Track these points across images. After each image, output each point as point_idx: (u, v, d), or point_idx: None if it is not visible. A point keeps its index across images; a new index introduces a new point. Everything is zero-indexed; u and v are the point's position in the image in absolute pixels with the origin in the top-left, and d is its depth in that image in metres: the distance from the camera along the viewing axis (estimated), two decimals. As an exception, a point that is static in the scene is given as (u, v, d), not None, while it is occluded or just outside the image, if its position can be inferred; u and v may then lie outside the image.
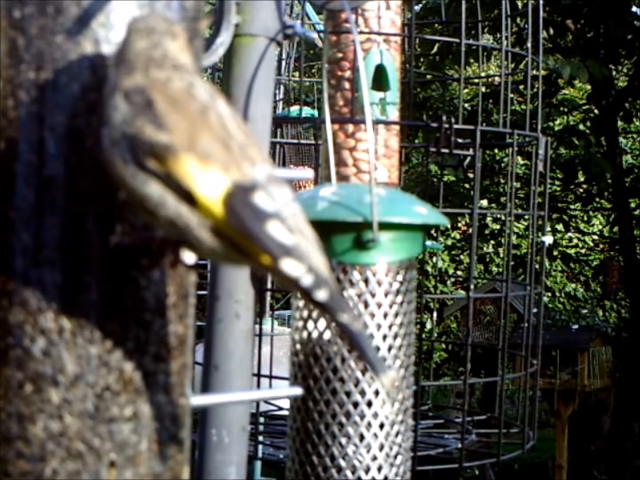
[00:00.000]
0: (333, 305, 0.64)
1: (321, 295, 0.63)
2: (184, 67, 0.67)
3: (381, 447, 1.09)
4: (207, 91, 0.66)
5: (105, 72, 0.68)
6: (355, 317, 0.66)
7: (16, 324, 0.67)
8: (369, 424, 1.09)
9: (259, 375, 1.76)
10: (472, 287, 1.71)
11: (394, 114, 1.40)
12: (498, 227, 9.24)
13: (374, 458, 1.09)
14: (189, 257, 0.68)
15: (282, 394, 1.06)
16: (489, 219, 8.94)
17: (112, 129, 0.64)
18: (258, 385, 1.76)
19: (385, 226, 1.07)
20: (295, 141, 4.16)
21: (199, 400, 0.77)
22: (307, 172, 1.02)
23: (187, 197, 0.63)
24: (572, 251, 10.17)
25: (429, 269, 4.22)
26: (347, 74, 1.39)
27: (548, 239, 1.96)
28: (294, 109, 2.95)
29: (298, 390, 1.00)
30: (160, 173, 0.63)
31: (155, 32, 0.67)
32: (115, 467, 0.68)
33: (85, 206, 0.68)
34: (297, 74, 2.79)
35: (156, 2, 0.71)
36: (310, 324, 1.11)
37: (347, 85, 1.39)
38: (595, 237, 9.79)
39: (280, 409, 1.99)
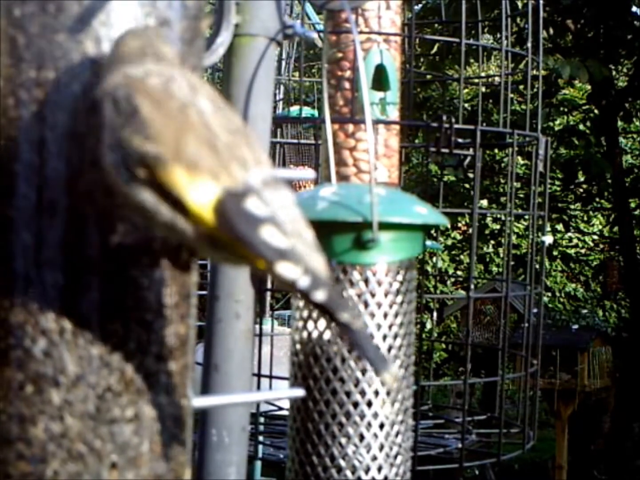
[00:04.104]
0: (332, 305, 0.63)
1: (319, 296, 0.63)
2: (165, 58, 0.66)
3: (381, 447, 1.09)
4: (189, 84, 0.65)
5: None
6: (356, 316, 0.66)
7: (17, 324, 0.67)
8: (369, 424, 1.08)
9: (259, 375, 1.76)
10: (472, 287, 1.71)
11: (394, 113, 1.40)
12: (498, 227, 9.23)
13: (374, 458, 1.09)
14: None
15: (282, 395, 1.06)
16: (489, 219, 8.92)
17: (106, 134, 0.63)
18: (258, 385, 1.75)
19: (385, 226, 1.07)
20: (295, 141, 4.15)
21: (199, 401, 0.77)
22: (307, 172, 1.02)
23: (180, 205, 0.62)
24: (572, 251, 10.17)
25: (429, 269, 4.21)
26: (347, 73, 1.39)
27: (548, 239, 1.95)
28: (294, 109, 2.94)
29: (298, 392, 1.00)
30: (151, 182, 0.62)
31: (146, 33, 0.67)
32: (116, 468, 0.68)
33: (87, 206, 0.67)
34: (297, 74, 2.79)
35: (158, 1, 0.71)
36: (310, 324, 1.11)
37: (347, 85, 1.39)
38: (595, 237, 9.78)
39: (280, 409, 1.99)
